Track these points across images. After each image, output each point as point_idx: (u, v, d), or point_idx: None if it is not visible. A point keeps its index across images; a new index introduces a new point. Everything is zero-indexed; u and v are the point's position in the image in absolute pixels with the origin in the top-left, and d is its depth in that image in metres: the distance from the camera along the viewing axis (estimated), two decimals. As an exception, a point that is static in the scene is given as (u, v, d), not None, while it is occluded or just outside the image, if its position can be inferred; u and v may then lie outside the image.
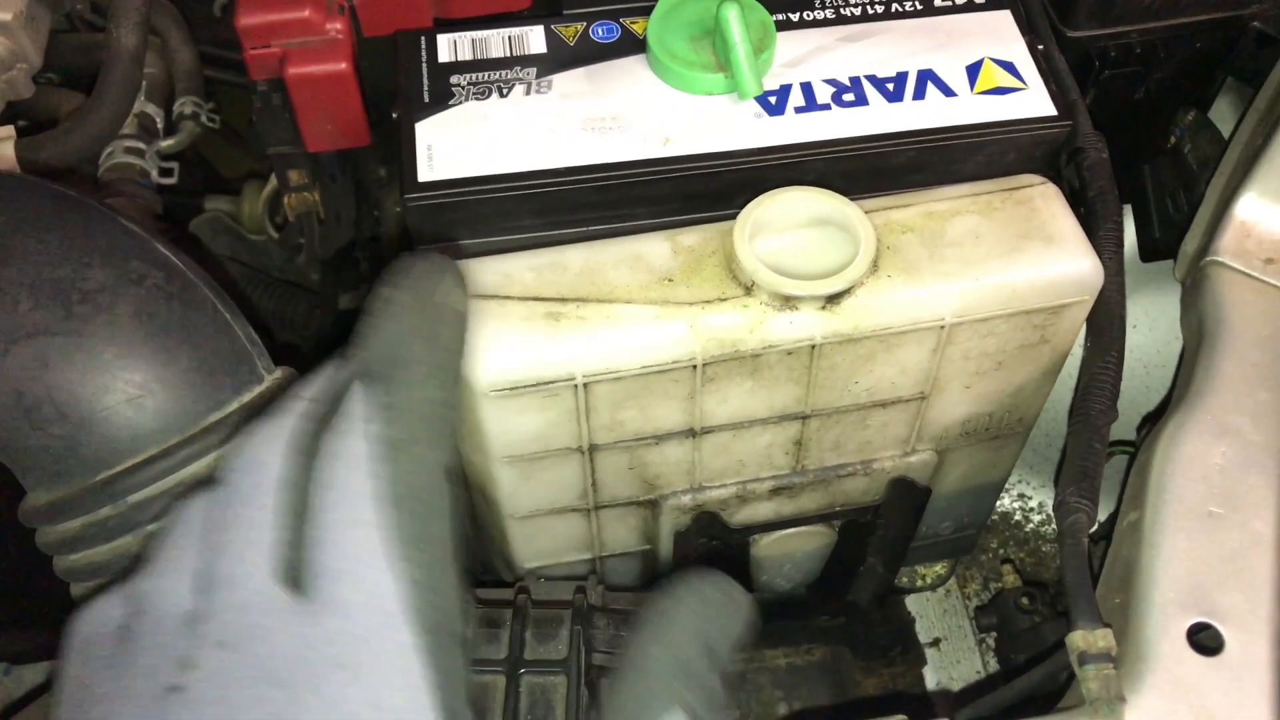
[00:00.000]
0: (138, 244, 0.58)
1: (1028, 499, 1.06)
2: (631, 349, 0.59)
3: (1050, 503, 1.05)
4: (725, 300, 0.60)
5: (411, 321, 0.45)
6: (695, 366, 0.60)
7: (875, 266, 0.61)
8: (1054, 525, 1.06)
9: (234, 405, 0.57)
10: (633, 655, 0.39)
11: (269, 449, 0.43)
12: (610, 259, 0.62)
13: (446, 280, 0.47)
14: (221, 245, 1.05)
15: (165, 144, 0.91)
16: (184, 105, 0.92)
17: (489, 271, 0.61)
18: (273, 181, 0.95)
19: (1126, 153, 0.71)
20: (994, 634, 0.98)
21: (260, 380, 0.59)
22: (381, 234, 0.94)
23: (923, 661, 0.94)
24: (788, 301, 0.59)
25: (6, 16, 0.83)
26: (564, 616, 0.61)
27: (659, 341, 0.59)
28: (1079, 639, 0.52)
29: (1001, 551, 1.05)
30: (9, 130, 0.79)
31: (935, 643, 1.02)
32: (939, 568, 0.91)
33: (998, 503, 1.00)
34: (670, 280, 0.61)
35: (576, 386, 0.60)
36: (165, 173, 0.91)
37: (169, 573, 0.43)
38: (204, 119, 0.93)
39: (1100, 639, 0.52)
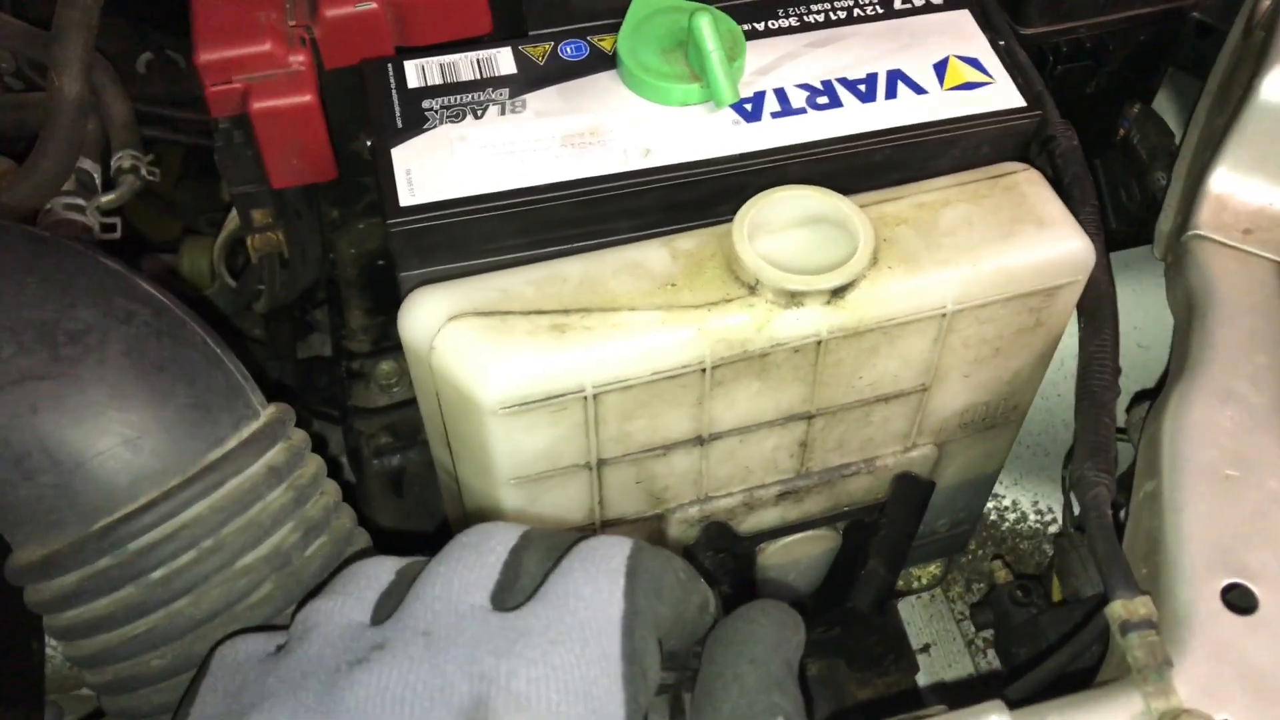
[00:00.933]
0: (121, 281, 0.56)
1: (1000, 498, 1.07)
2: (641, 356, 0.58)
3: (1023, 500, 1.06)
4: (731, 301, 0.59)
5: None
6: (704, 370, 0.60)
7: (875, 259, 0.61)
8: (1029, 522, 1.07)
9: (233, 442, 0.55)
10: (724, 673, 0.41)
11: (499, 527, 0.44)
12: (609, 268, 0.61)
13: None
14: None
15: (106, 199, 0.88)
16: (123, 159, 0.90)
17: (486, 288, 0.60)
18: (228, 227, 0.92)
19: (1081, 147, 0.73)
20: (988, 632, 0.98)
21: (256, 415, 0.57)
22: (338, 276, 0.92)
23: (915, 669, 0.94)
24: (793, 298, 0.59)
25: (-67, 76, 0.80)
26: None
27: (668, 346, 0.59)
28: (1119, 608, 0.52)
29: (980, 553, 1.06)
30: (-49, 187, 0.76)
31: (925, 648, 1.02)
32: (933, 568, 0.91)
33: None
34: (673, 285, 0.60)
35: (586, 398, 0.59)
36: (107, 228, 0.88)
37: (349, 599, 0.43)
38: (144, 172, 0.90)
39: (1140, 606, 0.52)
